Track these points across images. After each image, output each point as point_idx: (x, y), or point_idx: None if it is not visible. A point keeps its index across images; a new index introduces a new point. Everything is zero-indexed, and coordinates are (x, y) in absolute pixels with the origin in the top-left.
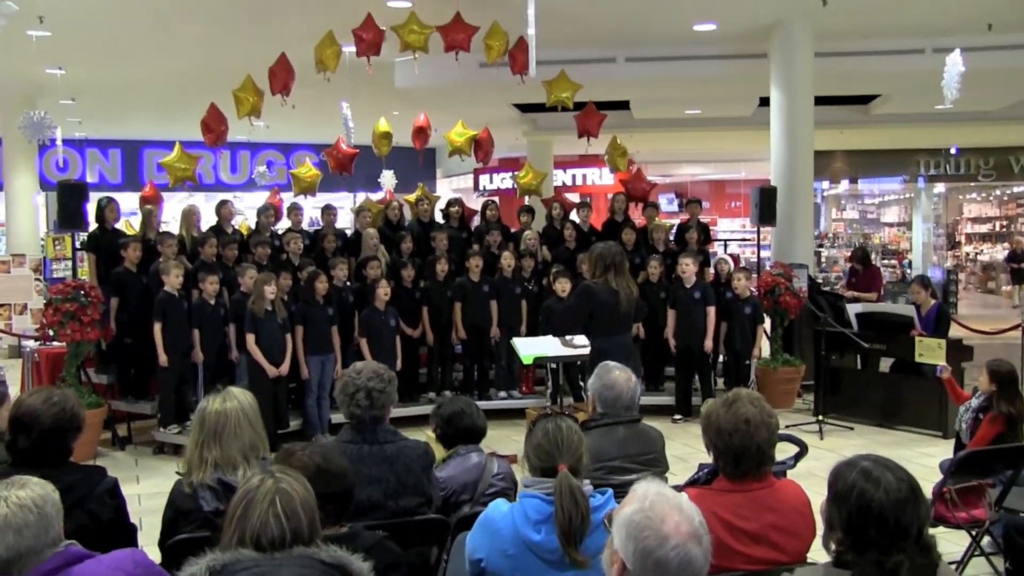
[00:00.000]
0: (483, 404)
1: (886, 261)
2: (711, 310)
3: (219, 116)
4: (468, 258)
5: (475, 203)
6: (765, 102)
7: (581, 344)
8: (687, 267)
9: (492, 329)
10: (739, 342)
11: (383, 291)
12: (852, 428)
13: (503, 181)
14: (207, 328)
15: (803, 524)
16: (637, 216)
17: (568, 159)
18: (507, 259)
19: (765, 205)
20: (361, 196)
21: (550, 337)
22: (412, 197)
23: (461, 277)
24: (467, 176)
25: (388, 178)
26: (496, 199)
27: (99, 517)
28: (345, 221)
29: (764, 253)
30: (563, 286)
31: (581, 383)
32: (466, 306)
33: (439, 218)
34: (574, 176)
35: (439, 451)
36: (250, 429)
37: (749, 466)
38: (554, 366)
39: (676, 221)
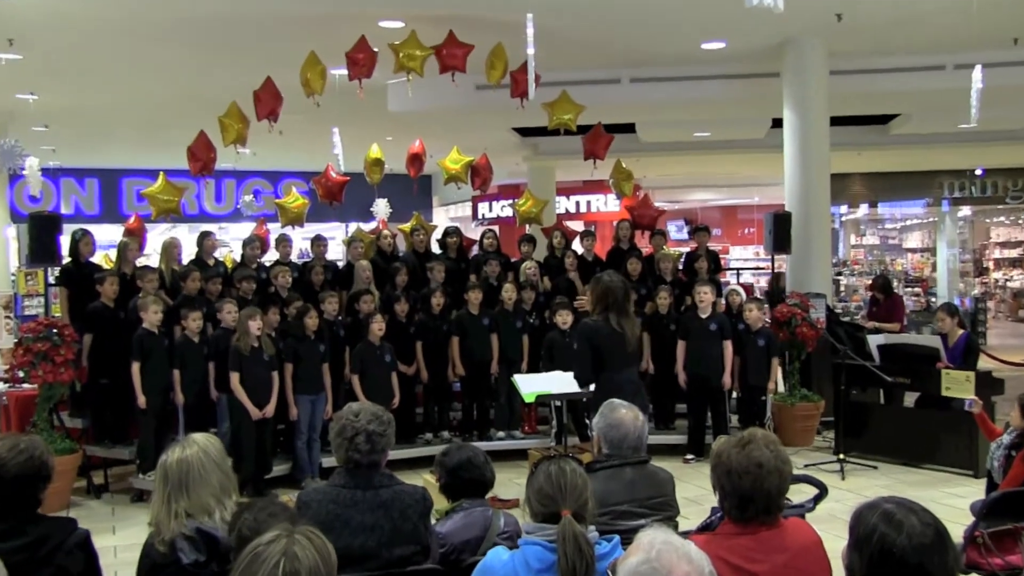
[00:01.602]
0: (483, 445)
1: (909, 289)
2: (728, 344)
3: (208, 144)
4: (466, 290)
5: (474, 232)
6: (778, 123)
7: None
8: (704, 296)
9: (492, 365)
10: (753, 376)
11: (377, 326)
12: (875, 467)
13: (503, 209)
14: (190, 367)
15: (816, 564)
16: (644, 244)
17: (571, 185)
18: (508, 291)
19: (779, 232)
20: (353, 226)
21: (553, 373)
22: (407, 227)
23: (459, 310)
24: (465, 204)
25: (381, 207)
26: (495, 228)
27: (69, 572)
28: (336, 253)
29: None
30: (564, 318)
31: (587, 422)
32: (464, 341)
33: (436, 248)
34: (578, 203)
35: (440, 501)
36: (217, 471)
37: (756, 511)
38: (558, 404)
39: (685, 249)
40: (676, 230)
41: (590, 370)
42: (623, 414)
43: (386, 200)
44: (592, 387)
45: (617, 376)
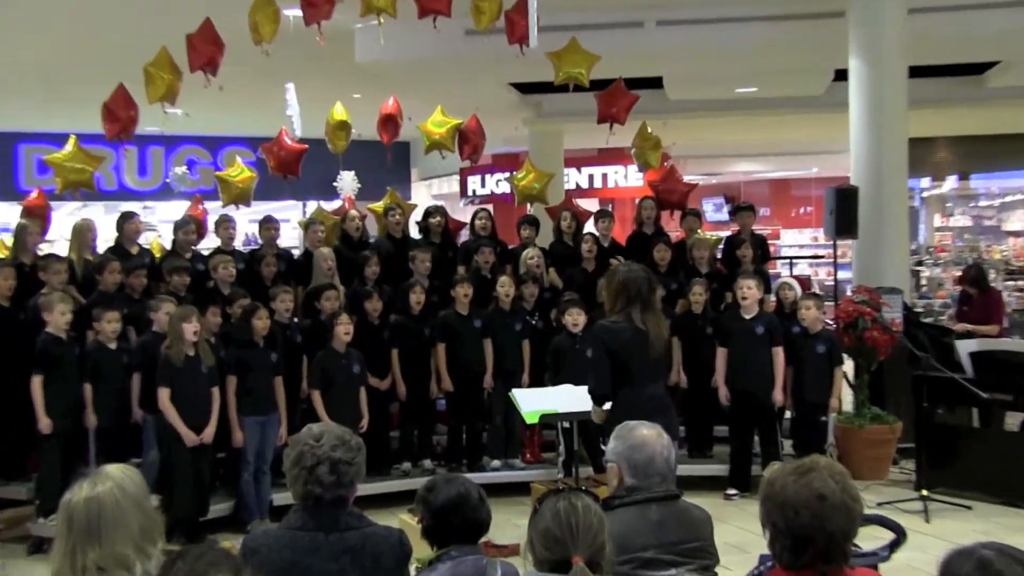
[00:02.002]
0: (474, 477)
1: (1011, 282)
2: (779, 351)
3: (128, 101)
4: (453, 285)
5: (462, 213)
6: (842, 76)
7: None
8: (748, 292)
9: (485, 378)
10: (811, 391)
11: (343, 329)
12: (969, 507)
13: (499, 184)
14: (106, 381)
15: None
16: (673, 227)
17: (584, 155)
18: (504, 286)
19: (843, 211)
20: (312, 206)
21: (561, 387)
22: (379, 206)
23: (445, 310)
24: (451, 178)
25: (347, 181)
26: (489, 207)
27: None
28: (291, 238)
29: (843, 274)
30: (575, 319)
31: (602, 447)
32: (451, 348)
33: (415, 233)
34: (591, 177)
35: (421, 547)
36: (137, 513)
37: (815, 557)
38: (567, 425)
39: (725, 233)
40: (714, 209)
41: (608, 383)
42: (645, 434)
43: (353, 173)
44: (608, 405)
45: (640, 391)
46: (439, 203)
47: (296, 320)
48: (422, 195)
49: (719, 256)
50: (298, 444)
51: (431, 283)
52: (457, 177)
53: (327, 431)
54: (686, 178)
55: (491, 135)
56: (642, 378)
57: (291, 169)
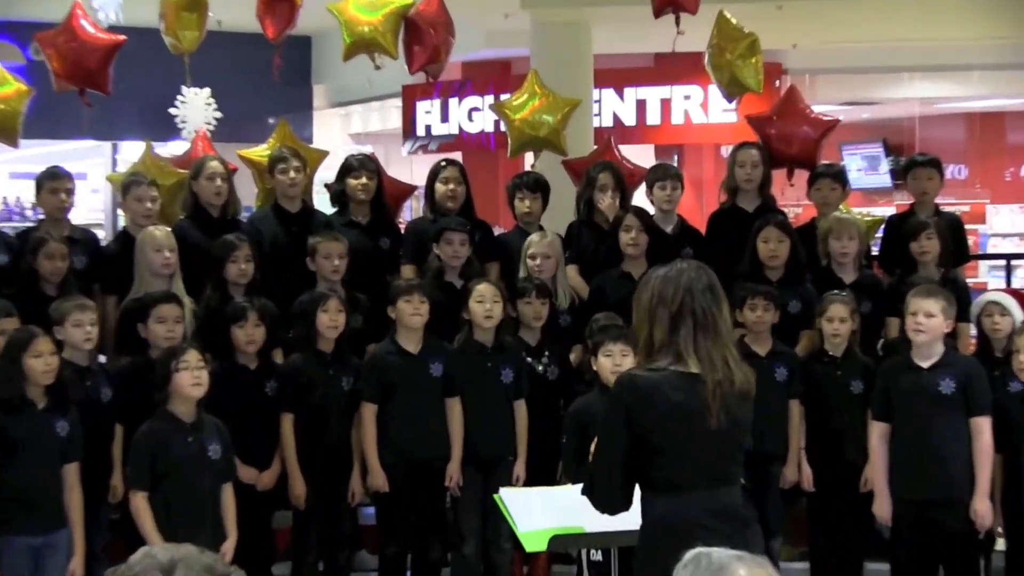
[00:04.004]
0: None
1: None
2: (982, 427)
3: None
4: (393, 299)
5: (409, 169)
6: None
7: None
8: (926, 321)
9: (448, 468)
10: None
11: (190, 379)
12: None
13: (474, 117)
14: None
15: None
16: (793, 199)
17: (626, 67)
18: (485, 301)
19: None
20: (133, 149)
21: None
22: (259, 152)
23: (378, 344)
24: (386, 105)
25: (197, 107)
26: (456, 157)
27: None
28: (94, 209)
29: None
30: (617, 362)
31: None
32: (387, 412)
33: (324, 205)
34: (642, 106)
35: None
36: None
37: None
38: (595, 555)
39: (888, 211)
40: (864, 165)
41: (616, 486)
42: None
43: (208, 92)
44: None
45: (685, 498)
46: (365, 150)
47: (104, 359)
48: (333, 135)
49: (876, 253)
50: None
51: (351, 295)
52: (398, 103)
53: (183, 559)
54: (816, 110)
55: (463, 28)
56: (696, 470)
57: (93, 80)
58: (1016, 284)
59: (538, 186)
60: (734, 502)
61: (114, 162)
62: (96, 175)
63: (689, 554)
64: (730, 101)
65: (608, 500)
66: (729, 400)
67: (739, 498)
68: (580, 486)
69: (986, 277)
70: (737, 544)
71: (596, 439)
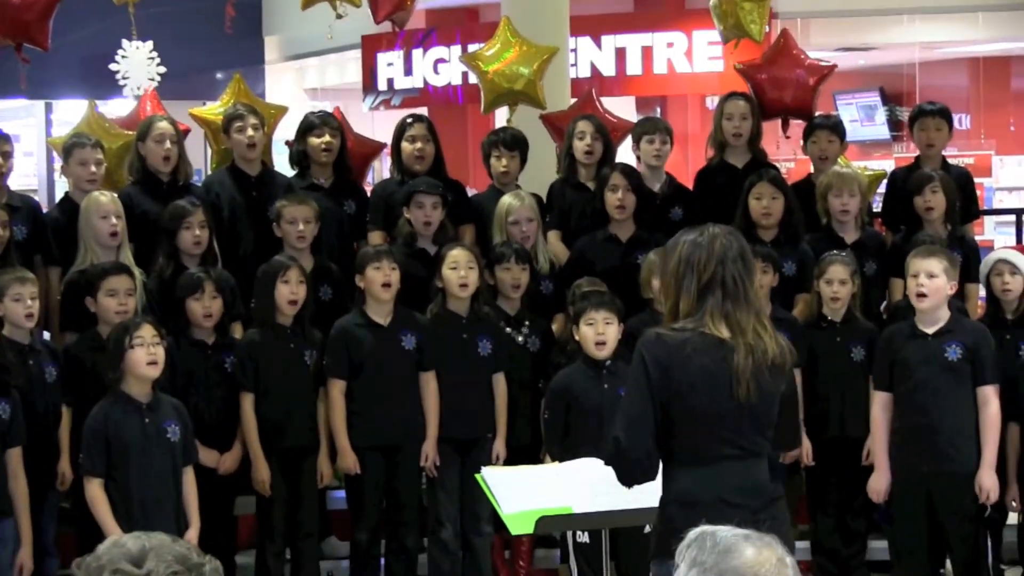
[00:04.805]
0: None
1: None
2: (989, 397)
3: None
4: (360, 267)
5: (371, 126)
6: None
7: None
8: (932, 281)
9: (424, 448)
10: None
11: (146, 355)
12: None
13: (441, 69)
14: None
15: None
16: (788, 153)
17: (608, 14)
18: (459, 267)
19: None
20: (69, 108)
21: (576, 464)
22: (212, 111)
23: (344, 317)
24: (344, 58)
25: (140, 61)
26: (423, 113)
27: None
28: (24, 171)
29: None
30: (600, 331)
31: None
32: (357, 389)
33: (284, 167)
34: (622, 54)
35: None
36: None
37: None
38: (582, 537)
39: (886, 164)
40: (862, 118)
41: (647, 440)
42: (751, 558)
43: (150, 45)
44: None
45: (718, 470)
46: (323, 106)
47: (48, 337)
48: (287, 90)
49: (877, 209)
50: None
51: (316, 264)
52: (357, 55)
53: (155, 548)
54: (811, 56)
55: None
56: (722, 442)
57: (31, 34)
58: None
59: (516, 143)
60: (762, 477)
61: (48, 123)
62: (29, 137)
63: (693, 533)
64: (726, 43)
65: (637, 466)
66: (761, 370)
67: (766, 473)
68: (573, 462)
69: (992, 234)
70: (762, 521)
71: (626, 397)
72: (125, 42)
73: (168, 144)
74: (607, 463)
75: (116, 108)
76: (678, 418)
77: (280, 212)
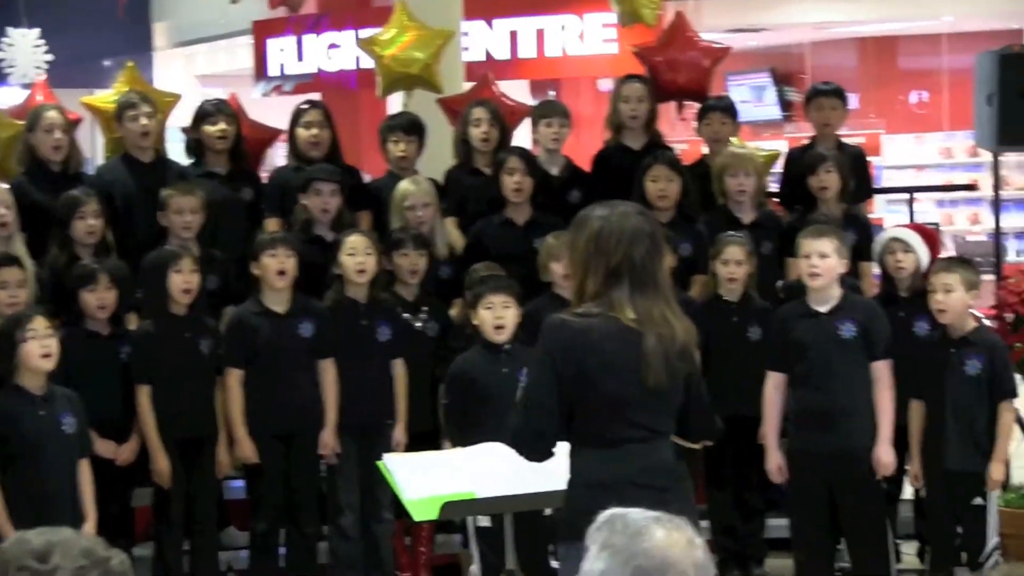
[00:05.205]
0: None
1: None
2: (882, 372)
3: None
4: (257, 254)
5: (263, 112)
6: None
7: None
8: (821, 262)
9: (323, 433)
10: (954, 449)
11: (39, 347)
12: None
13: (333, 55)
14: None
15: None
16: (684, 134)
17: None
18: (357, 253)
19: (1012, 101)
20: None
21: (478, 448)
22: (104, 99)
23: (239, 305)
24: (238, 42)
25: (26, 48)
26: (318, 98)
27: None
28: None
29: (1009, 221)
30: (498, 315)
31: (553, 565)
32: (253, 377)
33: (177, 154)
34: (514, 37)
35: None
36: None
37: None
38: (484, 522)
39: (778, 144)
40: (753, 97)
41: (550, 423)
42: (662, 540)
43: (38, 32)
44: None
45: (625, 453)
46: (214, 93)
47: None
48: (177, 77)
49: (775, 188)
50: None
51: (208, 252)
52: (248, 41)
53: (60, 544)
54: (704, 38)
55: None
56: (629, 425)
57: None
58: (918, 219)
59: (414, 128)
60: (667, 457)
61: None
62: None
63: (603, 515)
64: (624, 26)
65: (539, 444)
66: (669, 355)
67: (671, 453)
68: (475, 448)
69: (882, 212)
70: (670, 501)
71: (528, 381)
72: (11, 30)
73: (58, 134)
74: (509, 443)
75: (4, 97)
76: (586, 402)
77: (166, 202)
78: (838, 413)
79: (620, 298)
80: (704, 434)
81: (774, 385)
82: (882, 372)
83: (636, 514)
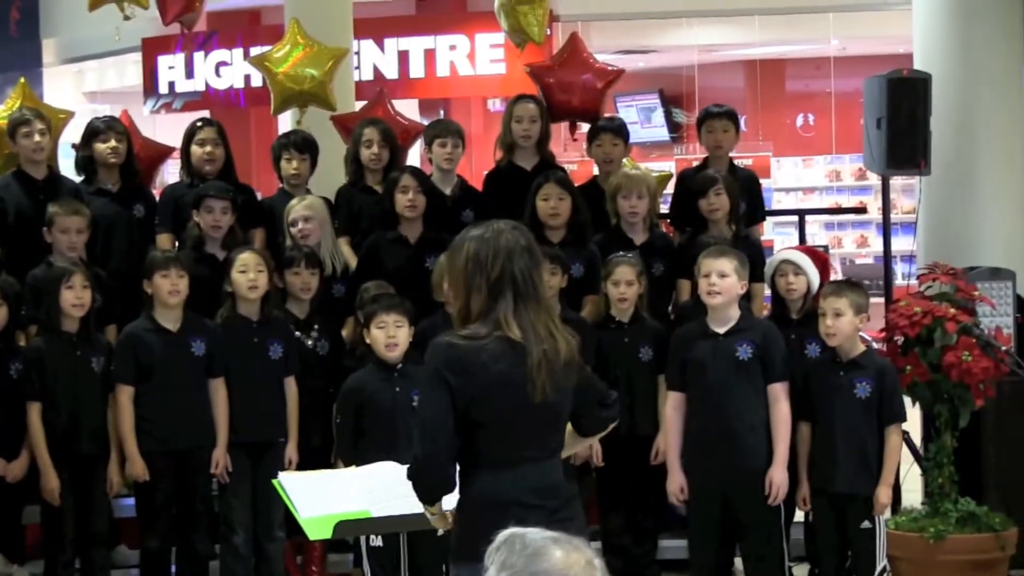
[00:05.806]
0: None
1: None
2: (777, 391)
3: None
4: (148, 272)
5: (152, 129)
6: None
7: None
8: (719, 281)
9: (215, 451)
10: (844, 471)
11: None
12: None
13: (223, 72)
14: None
15: None
16: (574, 152)
17: (387, 18)
18: (248, 270)
19: (902, 123)
20: None
21: (371, 468)
22: None
23: (132, 322)
24: (127, 59)
25: None
26: (208, 117)
27: None
28: None
29: (900, 244)
30: (390, 335)
31: None
32: (147, 395)
33: (70, 171)
34: (404, 57)
35: None
36: None
37: None
38: (376, 541)
39: (666, 165)
40: (642, 118)
41: (447, 449)
42: (560, 560)
43: None
44: (452, 499)
45: (514, 474)
46: (105, 110)
47: None
48: (66, 93)
49: (667, 210)
50: None
51: (93, 271)
52: (137, 58)
53: None
54: (599, 59)
55: None
56: (522, 444)
57: None
58: (813, 241)
59: (306, 145)
60: (558, 476)
61: None
62: None
63: (501, 535)
64: (520, 48)
65: (439, 480)
66: (555, 371)
67: (561, 472)
68: (368, 467)
69: (771, 234)
70: (560, 520)
71: (421, 406)
72: None
73: None
74: (409, 478)
75: None
76: (478, 423)
77: (52, 220)
78: (735, 433)
79: (505, 314)
80: (597, 428)
81: (673, 405)
82: (779, 394)
83: (535, 534)
